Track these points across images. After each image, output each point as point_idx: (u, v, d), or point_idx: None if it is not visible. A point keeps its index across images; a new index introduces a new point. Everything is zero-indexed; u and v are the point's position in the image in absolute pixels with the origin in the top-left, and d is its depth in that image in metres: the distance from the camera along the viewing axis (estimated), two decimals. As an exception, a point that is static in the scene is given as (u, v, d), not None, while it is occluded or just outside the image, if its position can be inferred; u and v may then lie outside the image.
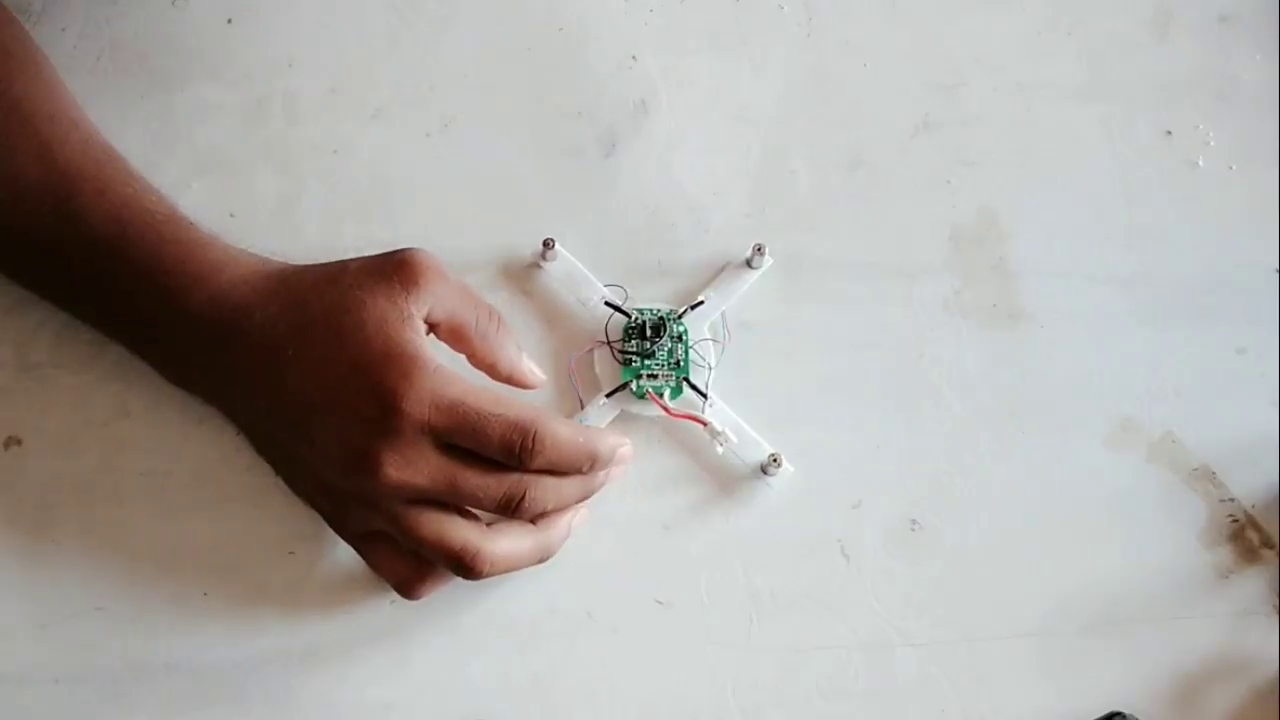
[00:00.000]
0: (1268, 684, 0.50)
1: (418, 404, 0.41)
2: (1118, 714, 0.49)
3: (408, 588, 0.46)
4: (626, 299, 0.52)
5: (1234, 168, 0.58)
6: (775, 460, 0.49)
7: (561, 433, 0.43)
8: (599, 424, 0.50)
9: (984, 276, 0.55)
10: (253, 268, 0.46)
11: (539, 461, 0.43)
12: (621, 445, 0.47)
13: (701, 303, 0.52)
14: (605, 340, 0.51)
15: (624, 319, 0.51)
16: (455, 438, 0.42)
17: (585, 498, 0.47)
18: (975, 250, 0.56)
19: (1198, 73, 0.59)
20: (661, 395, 0.50)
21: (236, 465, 0.49)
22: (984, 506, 0.52)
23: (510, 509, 0.44)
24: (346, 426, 0.41)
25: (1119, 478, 0.53)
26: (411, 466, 0.41)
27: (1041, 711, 0.49)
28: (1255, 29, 0.60)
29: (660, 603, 0.50)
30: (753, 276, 0.53)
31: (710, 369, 0.51)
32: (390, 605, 0.49)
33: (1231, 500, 0.52)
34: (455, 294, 0.45)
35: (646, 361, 0.50)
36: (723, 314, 0.52)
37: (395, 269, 0.44)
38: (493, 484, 0.43)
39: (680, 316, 0.51)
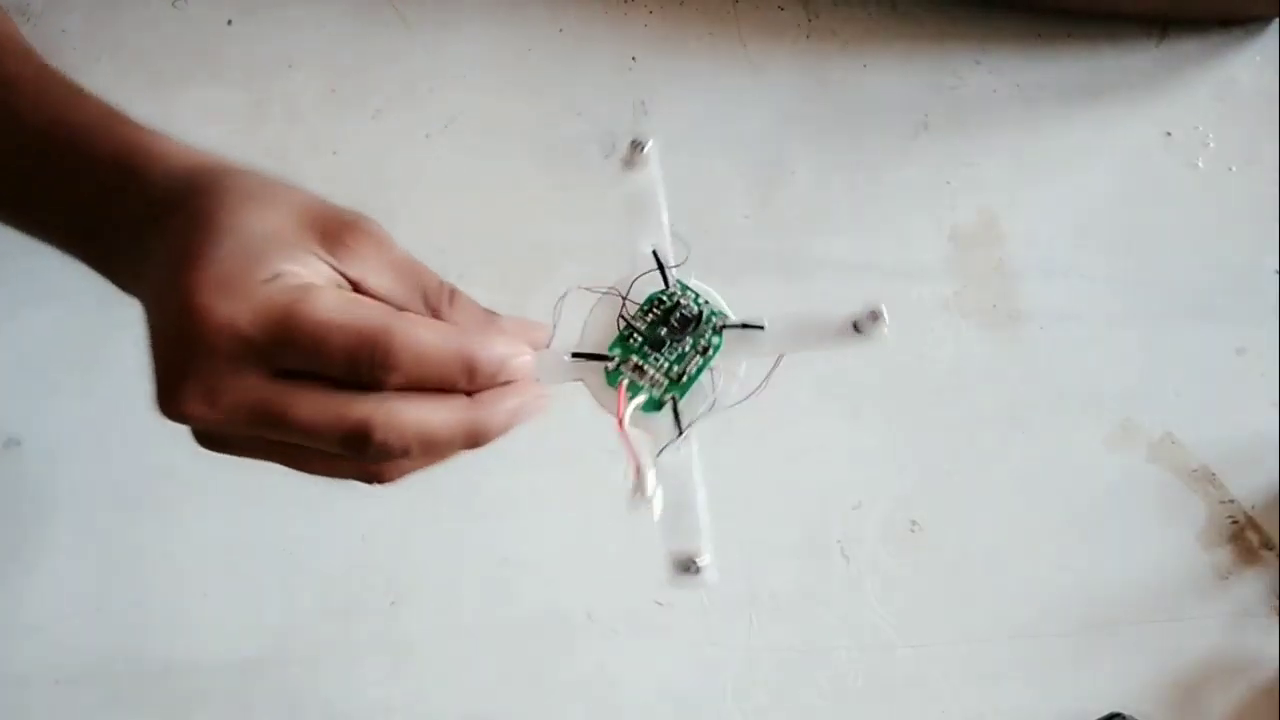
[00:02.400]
0: (1268, 684, 0.50)
1: (230, 314, 0.31)
2: (1118, 714, 0.49)
3: (372, 478, 0.36)
4: (685, 260, 0.40)
5: (1234, 168, 0.58)
6: (694, 566, 0.37)
7: (425, 339, 0.33)
8: (545, 380, 0.37)
9: (984, 277, 0.55)
10: (211, 158, 0.38)
11: (396, 379, 0.33)
12: (517, 355, 0.34)
13: (762, 327, 0.38)
14: (623, 295, 0.39)
15: (659, 285, 0.39)
16: (285, 358, 0.32)
17: (474, 434, 0.34)
18: (975, 250, 0.56)
19: (1198, 73, 0.59)
20: (633, 398, 0.38)
21: (236, 465, 0.49)
22: (984, 506, 0.52)
23: (360, 448, 0.33)
24: (156, 346, 0.33)
25: (1118, 478, 0.53)
26: (215, 397, 0.32)
27: (1041, 712, 0.49)
28: (1255, 30, 0.60)
29: (660, 603, 0.50)
30: (848, 342, 0.38)
31: (711, 407, 0.38)
32: (390, 605, 0.49)
33: (1231, 501, 0.52)
34: (396, 267, 0.36)
35: (648, 351, 0.39)
36: (779, 359, 0.39)
37: (331, 222, 0.35)
38: (332, 413, 0.32)
39: (724, 327, 0.38)
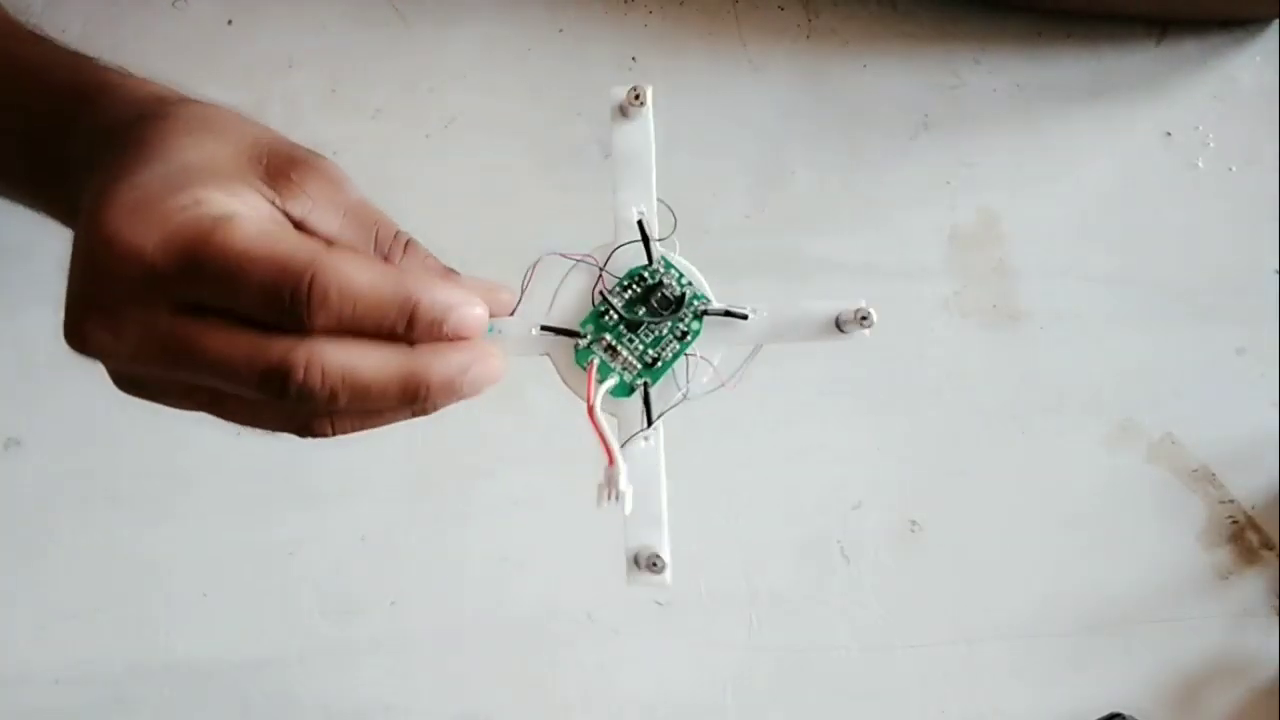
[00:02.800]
0: (1268, 684, 0.50)
1: (138, 240, 0.28)
2: (1118, 714, 0.49)
3: (302, 429, 0.32)
4: (671, 233, 0.37)
5: (1234, 168, 0.58)
6: (655, 563, 0.35)
7: (358, 276, 0.29)
8: (507, 351, 0.34)
9: (984, 276, 0.55)
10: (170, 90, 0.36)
11: (323, 319, 0.29)
12: (467, 305, 0.31)
13: (745, 316, 0.35)
14: (600, 266, 0.36)
15: (640, 258, 0.36)
16: (196, 290, 0.29)
17: (411, 385, 0.30)
18: (975, 250, 0.56)
19: (1198, 73, 0.59)
20: (603, 381, 0.35)
21: (235, 466, 0.49)
22: (983, 506, 0.52)
23: (279, 390, 0.29)
24: (70, 275, 0.30)
25: (1118, 478, 0.53)
26: (120, 329, 0.29)
27: (1041, 711, 0.49)
28: (1255, 30, 0.60)
29: (660, 603, 0.50)
30: (831, 339, 0.36)
31: (683, 396, 0.35)
32: (390, 605, 0.49)
33: (1231, 501, 0.52)
34: (348, 209, 0.34)
35: (623, 331, 0.35)
36: (756, 350, 0.37)
37: (279, 156, 0.33)
38: (247, 349, 0.29)
39: (706, 313, 0.35)
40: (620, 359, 0.35)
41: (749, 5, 0.59)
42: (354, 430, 0.32)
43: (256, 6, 0.56)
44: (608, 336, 0.35)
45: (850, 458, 0.52)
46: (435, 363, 0.31)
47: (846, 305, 0.35)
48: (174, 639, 0.48)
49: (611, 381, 0.35)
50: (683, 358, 0.35)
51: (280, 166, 0.33)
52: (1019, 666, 0.50)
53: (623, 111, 0.38)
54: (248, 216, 0.30)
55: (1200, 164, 0.58)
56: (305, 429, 0.32)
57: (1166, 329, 0.55)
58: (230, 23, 0.56)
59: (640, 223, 0.36)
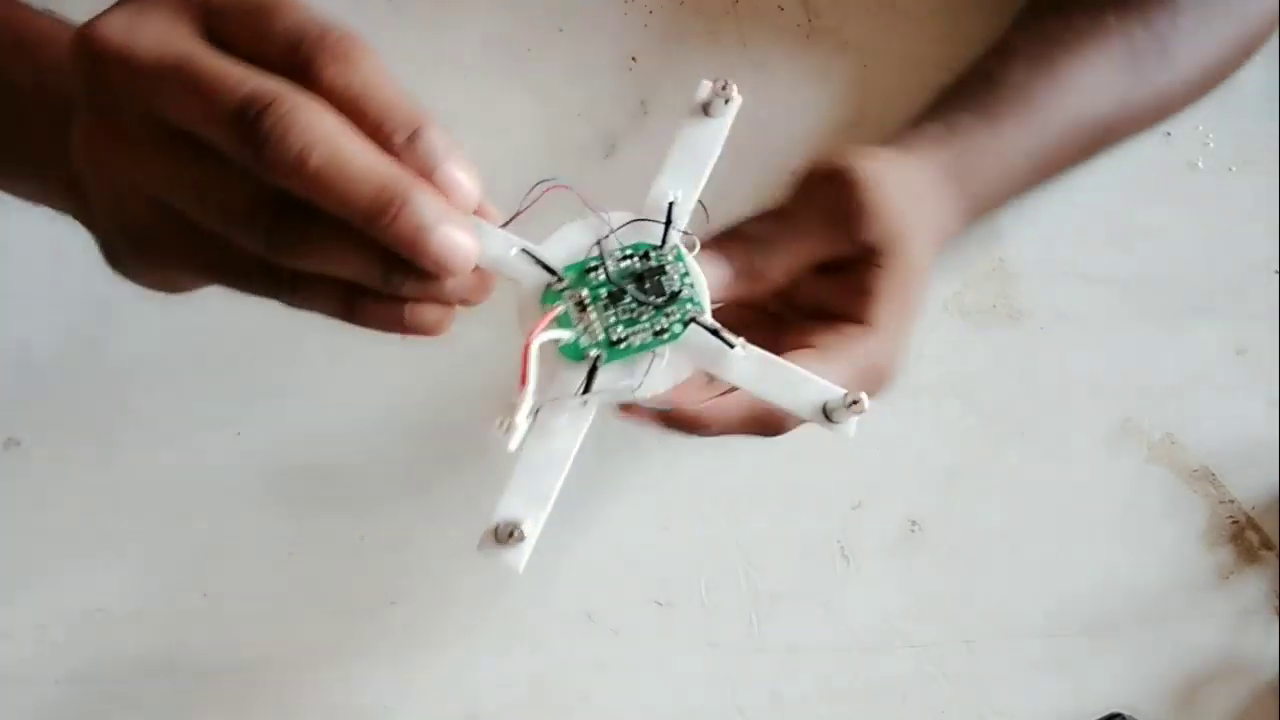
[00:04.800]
0: (1268, 684, 0.50)
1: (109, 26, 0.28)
2: (1118, 714, 0.49)
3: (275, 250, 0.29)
4: (697, 238, 0.35)
5: (1234, 168, 0.58)
6: (514, 533, 0.31)
7: (382, 72, 0.29)
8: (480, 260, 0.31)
9: (984, 276, 0.55)
10: None
11: (333, 74, 0.28)
12: (464, 163, 0.30)
13: (732, 345, 0.33)
14: (611, 226, 0.34)
15: (655, 239, 0.34)
16: (224, 10, 0.29)
17: (382, 196, 0.28)
18: (975, 250, 0.56)
19: (1198, 73, 0.59)
20: (558, 329, 0.32)
21: (236, 465, 0.49)
22: (984, 506, 0.52)
23: (248, 123, 0.27)
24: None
25: (1119, 479, 0.53)
26: (138, 30, 0.28)
27: (1041, 712, 0.49)
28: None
29: (660, 603, 0.50)
30: (814, 422, 0.33)
31: (631, 392, 0.32)
32: (390, 605, 0.49)
33: (1231, 502, 0.52)
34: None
35: (602, 295, 0.33)
36: (700, 203, 0.35)
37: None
38: (240, 75, 0.27)
39: (695, 321, 0.33)
40: (586, 321, 0.32)
41: (749, 5, 0.59)
42: (310, 257, 0.29)
43: (256, 6, 0.56)
44: (585, 292, 0.32)
45: (850, 458, 0.52)
46: (418, 189, 0.28)
47: (839, 391, 0.32)
48: (174, 639, 0.48)
49: (565, 335, 0.32)
50: (649, 355, 0.32)
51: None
52: (1019, 666, 0.50)
53: (705, 109, 0.35)
54: None
55: (1200, 164, 0.58)
56: (276, 249, 0.29)
57: (1166, 329, 0.55)
58: (230, 23, 0.56)
59: (671, 204, 0.34)
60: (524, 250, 0.32)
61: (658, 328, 0.32)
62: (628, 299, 0.32)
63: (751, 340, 0.33)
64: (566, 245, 0.33)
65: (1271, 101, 0.59)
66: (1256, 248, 0.56)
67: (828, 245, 0.40)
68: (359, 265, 0.29)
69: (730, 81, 0.34)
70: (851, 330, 0.39)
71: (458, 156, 0.30)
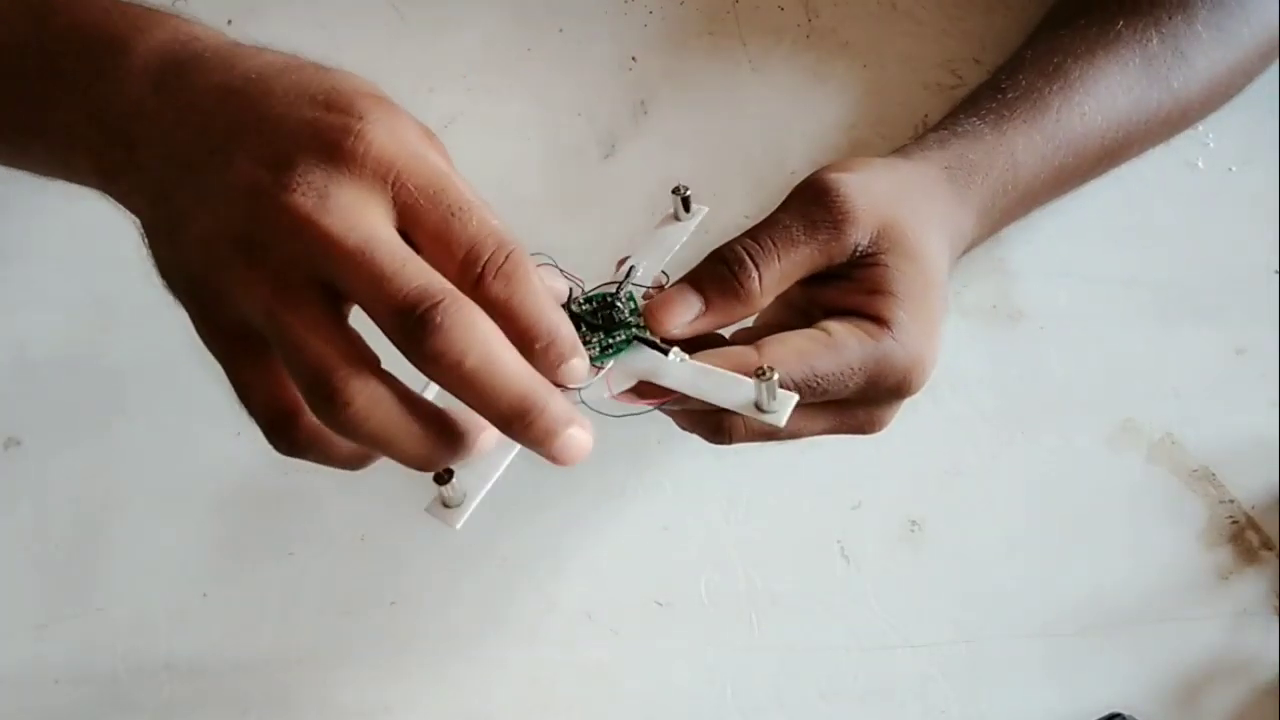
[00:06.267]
0: (1268, 684, 0.50)
1: (380, 139, 0.33)
2: (1118, 714, 0.49)
3: (278, 428, 0.34)
4: (646, 292, 0.42)
5: (1234, 168, 0.58)
6: (452, 499, 0.36)
7: (536, 284, 0.34)
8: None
9: (984, 276, 0.55)
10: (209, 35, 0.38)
11: (498, 290, 0.32)
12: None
13: (666, 352, 0.39)
14: (583, 289, 0.41)
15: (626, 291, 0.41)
16: (416, 203, 0.33)
17: (524, 403, 0.32)
18: (975, 250, 0.56)
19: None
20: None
21: (236, 465, 0.49)
22: (984, 506, 0.52)
23: (416, 317, 0.31)
24: (227, 209, 0.33)
25: (1119, 479, 0.53)
26: (330, 201, 0.32)
27: (1041, 712, 0.49)
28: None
29: (660, 603, 0.50)
30: (745, 409, 0.38)
31: (577, 391, 0.38)
32: (390, 606, 0.49)
33: (1231, 501, 0.52)
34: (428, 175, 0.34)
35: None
36: (664, 272, 0.43)
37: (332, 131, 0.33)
38: (416, 270, 0.31)
39: (637, 338, 0.40)
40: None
41: (749, 5, 0.59)
42: (361, 439, 0.32)
43: (256, 6, 0.56)
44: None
45: (850, 458, 0.52)
46: (555, 398, 0.33)
47: (751, 384, 0.37)
48: (174, 639, 0.48)
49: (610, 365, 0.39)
50: (597, 366, 0.39)
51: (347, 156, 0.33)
52: (1019, 666, 0.50)
53: (676, 215, 0.45)
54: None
55: (1200, 164, 0.58)
56: (333, 413, 0.32)
57: (1166, 329, 0.55)
58: (230, 23, 0.56)
59: (631, 268, 0.42)
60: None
61: (606, 345, 0.39)
62: (583, 329, 0.39)
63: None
64: None
65: (1271, 101, 0.59)
66: (1256, 248, 0.56)
67: (816, 256, 0.40)
68: (405, 452, 0.33)
69: (687, 187, 0.44)
70: (867, 326, 0.40)
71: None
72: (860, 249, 0.40)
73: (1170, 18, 0.51)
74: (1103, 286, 0.55)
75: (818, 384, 0.38)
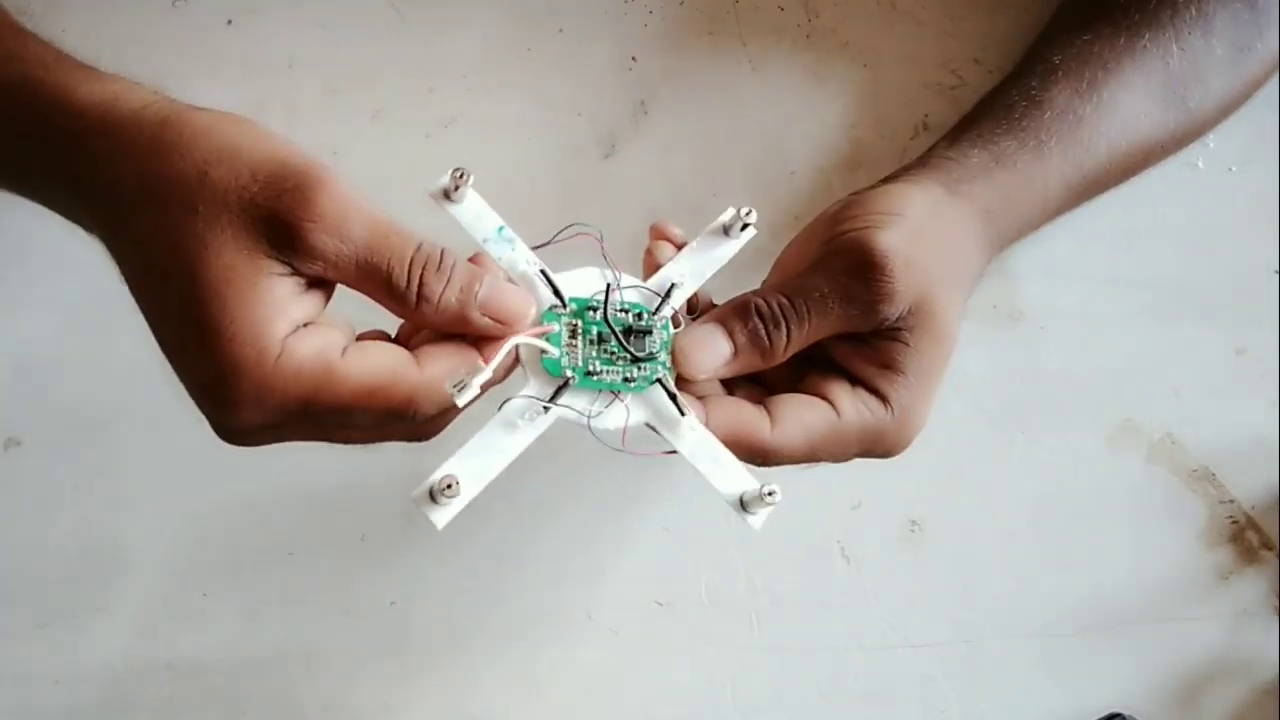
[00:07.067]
0: (1268, 684, 0.50)
1: (256, 419, 0.35)
2: (1118, 714, 0.49)
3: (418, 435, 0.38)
4: (683, 321, 0.41)
5: (1234, 168, 0.58)
6: (450, 486, 0.36)
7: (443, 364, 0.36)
8: (500, 262, 0.38)
9: (984, 276, 0.55)
10: (145, 100, 0.37)
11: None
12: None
13: (683, 414, 0.38)
14: (618, 281, 0.40)
15: (653, 303, 0.40)
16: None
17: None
18: (975, 250, 0.56)
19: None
20: (547, 342, 0.37)
21: (237, 466, 0.49)
22: (984, 507, 0.52)
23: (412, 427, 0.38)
24: (182, 374, 0.36)
25: (1119, 479, 0.53)
26: (263, 409, 0.35)
27: (1041, 712, 0.49)
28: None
29: (660, 603, 0.50)
30: (731, 508, 0.39)
31: (586, 419, 0.38)
32: (390, 606, 0.49)
33: (1231, 501, 0.52)
34: (357, 250, 0.35)
35: (593, 334, 0.38)
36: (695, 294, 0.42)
37: (277, 220, 0.34)
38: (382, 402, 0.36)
39: (659, 381, 0.39)
40: (573, 349, 0.38)
41: (749, 5, 0.59)
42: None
43: (256, 6, 0.56)
44: (579, 323, 0.38)
45: (850, 458, 0.52)
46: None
47: (755, 485, 0.37)
48: (174, 639, 0.48)
49: (552, 349, 0.37)
50: (611, 394, 0.38)
51: (281, 234, 0.34)
52: (1019, 666, 0.50)
53: (725, 230, 0.43)
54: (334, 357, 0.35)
55: (1200, 164, 0.58)
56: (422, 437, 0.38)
57: (1166, 329, 0.55)
58: (230, 23, 0.56)
59: (672, 286, 0.40)
60: (542, 271, 0.38)
61: (627, 375, 0.38)
62: (612, 343, 0.37)
63: (773, 375, 0.40)
64: (580, 282, 0.39)
65: (1271, 101, 0.59)
66: (1256, 248, 0.56)
67: (846, 324, 0.40)
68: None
69: (751, 210, 0.42)
70: (871, 403, 0.40)
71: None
72: (888, 323, 0.40)
73: (1190, 33, 0.50)
74: (1103, 286, 0.55)
75: (813, 455, 0.39)
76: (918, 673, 0.49)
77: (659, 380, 0.38)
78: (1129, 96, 0.49)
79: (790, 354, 0.40)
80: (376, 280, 0.35)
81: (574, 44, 0.58)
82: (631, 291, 0.39)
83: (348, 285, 0.36)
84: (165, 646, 0.48)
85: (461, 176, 0.38)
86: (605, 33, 0.58)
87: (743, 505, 0.38)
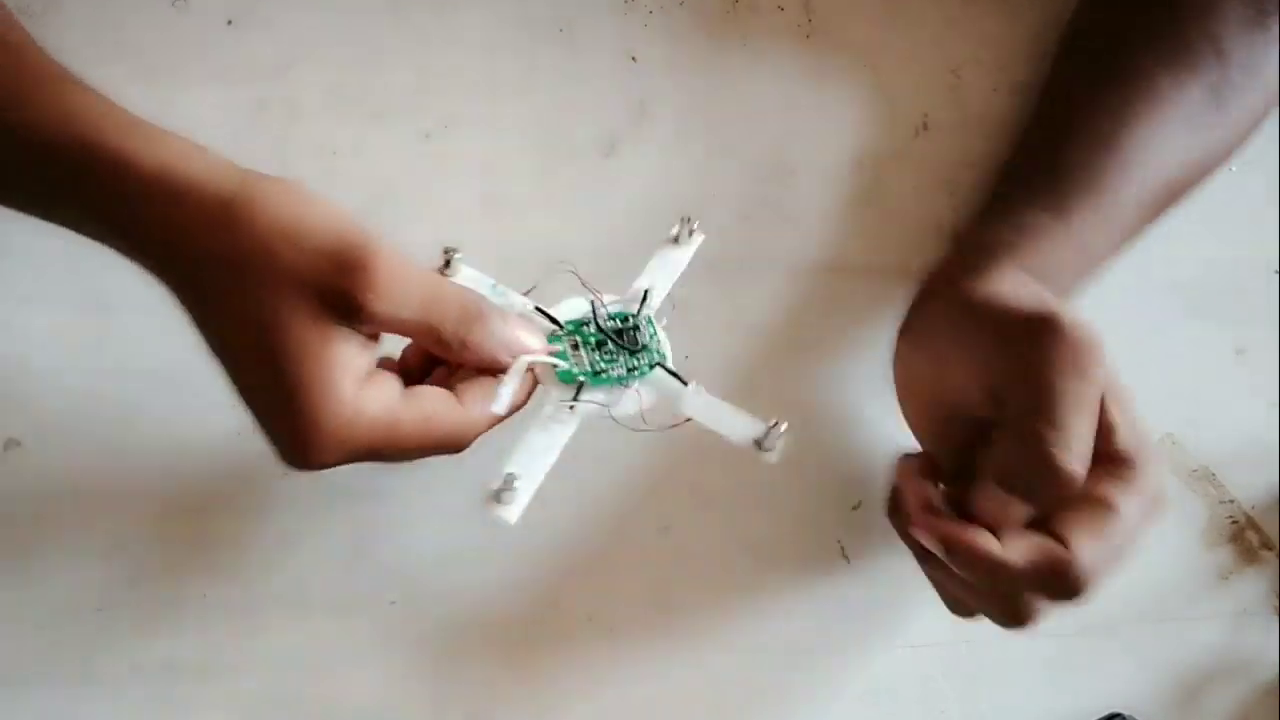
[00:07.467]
0: (1268, 684, 0.50)
1: (330, 461, 0.39)
2: (1118, 714, 0.49)
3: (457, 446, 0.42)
4: (664, 320, 0.47)
5: (1234, 168, 0.58)
6: (506, 493, 0.42)
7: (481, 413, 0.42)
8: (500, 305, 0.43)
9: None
10: (206, 164, 0.38)
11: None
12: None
13: (685, 384, 0.45)
14: (601, 300, 0.46)
15: (632, 310, 0.46)
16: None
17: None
18: (975, 250, 0.56)
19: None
20: (556, 357, 0.44)
21: (236, 465, 0.49)
22: (984, 507, 0.52)
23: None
24: (262, 423, 0.39)
25: (1119, 478, 0.52)
26: (338, 455, 0.39)
27: (1041, 712, 0.49)
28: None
29: (660, 603, 0.50)
30: (744, 447, 0.44)
31: (607, 408, 0.44)
32: (390, 605, 0.49)
33: (1231, 502, 0.52)
34: (409, 316, 0.40)
35: (592, 344, 0.45)
36: (669, 295, 0.48)
37: (340, 280, 0.37)
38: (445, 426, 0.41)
39: (658, 365, 0.45)
40: (578, 358, 0.44)
41: (749, 5, 0.59)
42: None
43: (256, 6, 0.56)
44: (579, 338, 0.45)
45: (850, 458, 0.52)
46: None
47: (762, 426, 0.43)
48: (174, 637, 0.48)
49: (561, 361, 0.44)
50: (623, 386, 0.44)
51: (347, 307, 0.38)
52: (1018, 666, 0.50)
53: (675, 239, 0.49)
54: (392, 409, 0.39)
55: (1200, 164, 0.58)
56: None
57: (1166, 329, 0.55)
58: (230, 23, 0.56)
59: (646, 291, 0.46)
60: (536, 308, 0.45)
61: (629, 366, 0.44)
62: (609, 345, 0.44)
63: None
64: (569, 309, 0.46)
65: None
66: (1256, 248, 0.56)
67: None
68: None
69: (695, 220, 0.48)
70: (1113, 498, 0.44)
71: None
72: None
73: (1207, 65, 0.50)
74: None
75: (1118, 558, 0.44)
76: (918, 673, 0.49)
77: (659, 364, 0.44)
78: (1152, 140, 0.50)
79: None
80: (430, 336, 0.40)
81: (574, 44, 0.58)
82: (615, 305, 0.46)
83: (403, 337, 0.42)
84: (165, 647, 0.48)
85: (449, 254, 0.45)
86: (605, 33, 0.58)
87: (758, 446, 0.43)
